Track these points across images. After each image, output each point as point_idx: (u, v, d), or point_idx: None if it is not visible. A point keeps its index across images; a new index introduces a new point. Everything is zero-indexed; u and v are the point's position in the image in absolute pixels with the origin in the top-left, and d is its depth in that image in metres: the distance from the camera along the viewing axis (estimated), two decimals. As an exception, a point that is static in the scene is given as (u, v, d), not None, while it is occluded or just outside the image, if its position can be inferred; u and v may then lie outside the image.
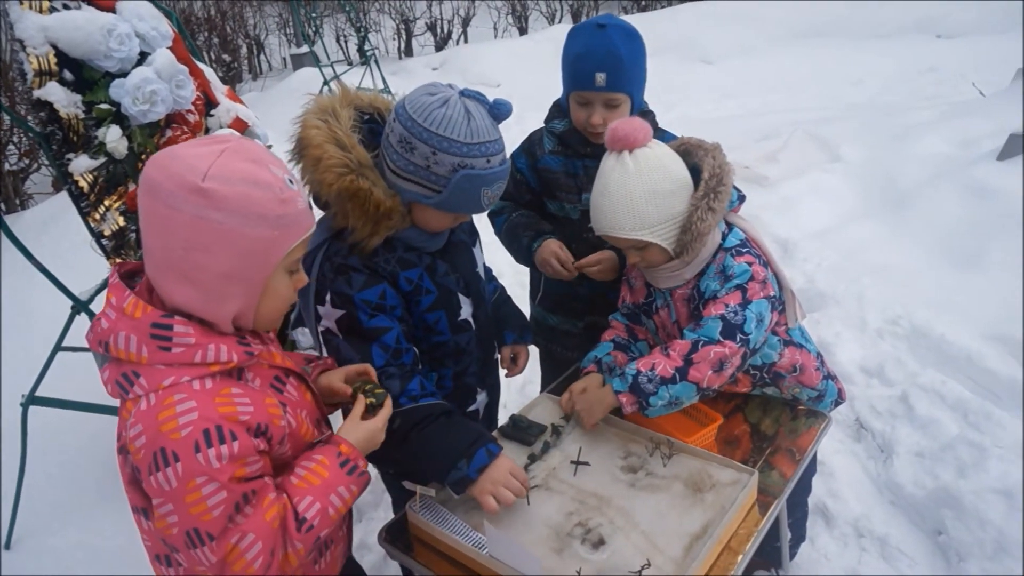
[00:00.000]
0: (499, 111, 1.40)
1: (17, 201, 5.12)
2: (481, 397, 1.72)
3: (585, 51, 1.74)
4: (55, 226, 3.96)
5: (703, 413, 1.65)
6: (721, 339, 1.49)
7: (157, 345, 1.01)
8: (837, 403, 1.83)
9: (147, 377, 1.01)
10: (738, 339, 1.50)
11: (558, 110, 1.95)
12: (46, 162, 5.28)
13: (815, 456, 1.86)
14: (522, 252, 1.93)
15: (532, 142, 1.99)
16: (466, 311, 1.59)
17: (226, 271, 1.03)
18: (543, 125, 1.99)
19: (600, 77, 1.73)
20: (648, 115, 1.91)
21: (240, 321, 1.11)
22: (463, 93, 1.38)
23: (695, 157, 1.62)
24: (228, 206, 0.99)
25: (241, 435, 1.02)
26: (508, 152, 1.46)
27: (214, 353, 1.04)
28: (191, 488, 0.98)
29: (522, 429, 1.62)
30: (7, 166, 5.02)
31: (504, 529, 1.28)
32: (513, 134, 1.99)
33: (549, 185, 1.96)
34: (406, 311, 1.47)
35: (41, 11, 1.91)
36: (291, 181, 1.08)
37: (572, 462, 1.53)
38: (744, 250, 1.59)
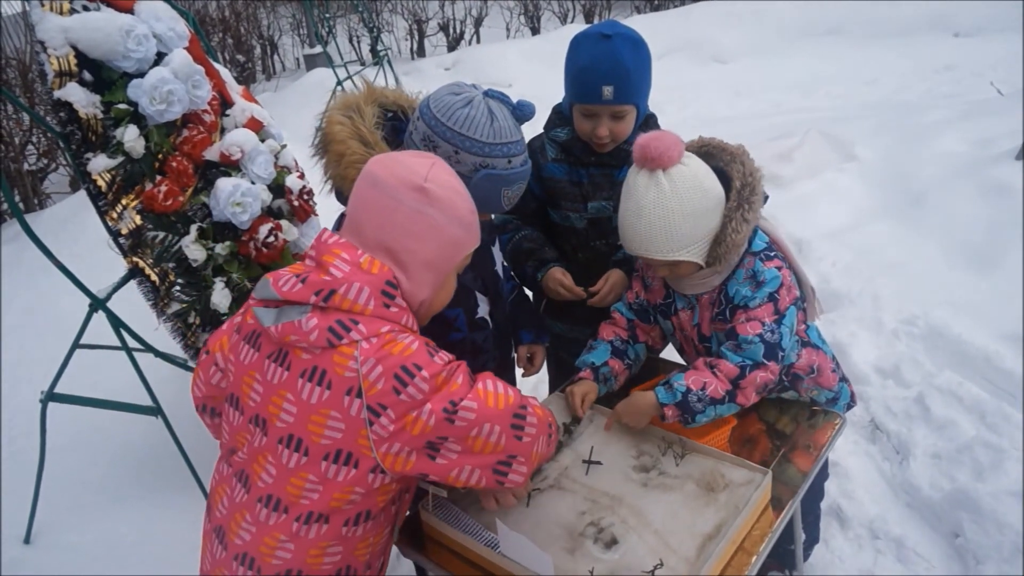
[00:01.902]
0: (523, 112, 1.41)
1: (35, 200, 5.18)
2: (496, 396, 1.72)
3: (591, 63, 1.68)
4: (72, 225, 4.00)
5: (716, 414, 1.64)
6: (765, 361, 1.52)
7: (383, 301, 1.16)
8: (849, 406, 1.82)
9: (366, 325, 1.14)
10: (779, 357, 1.54)
11: (559, 117, 1.90)
12: (64, 162, 5.33)
13: (827, 460, 1.85)
14: (527, 280, 1.92)
15: (533, 150, 1.92)
16: (483, 309, 1.59)
17: (428, 259, 1.21)
18: (543, 131, 1.95)
19: (607, 91, 1.67)
20: (651, 118, 1.88)
21: (420, 309, 1.26)
22: (487, 94, 1.39)
23: (719, 160, 1.58)
24: (441, 206, 1.19)
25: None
26: None
27: (410, 320, 1.22)
28: (441, 381, 1.15)
29: (535, 428, 1.62)
30: (26, 166, 5.08)
31: (516, 528, 1.28)
32: (526, 134, 1.97)
33: (553, 194, 1.93)
34: None
35: (62, 13, 1.93)
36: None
37: (584, 461, 1.53)
38: (772, 254, 1.59)
